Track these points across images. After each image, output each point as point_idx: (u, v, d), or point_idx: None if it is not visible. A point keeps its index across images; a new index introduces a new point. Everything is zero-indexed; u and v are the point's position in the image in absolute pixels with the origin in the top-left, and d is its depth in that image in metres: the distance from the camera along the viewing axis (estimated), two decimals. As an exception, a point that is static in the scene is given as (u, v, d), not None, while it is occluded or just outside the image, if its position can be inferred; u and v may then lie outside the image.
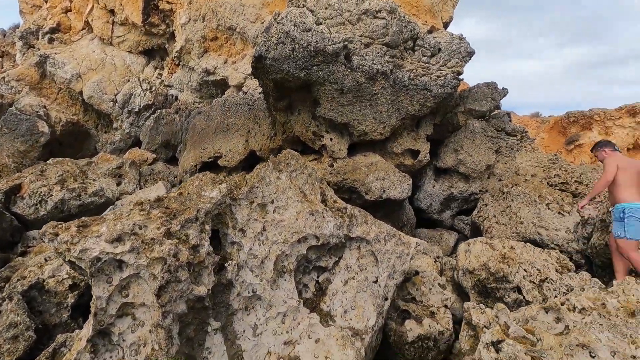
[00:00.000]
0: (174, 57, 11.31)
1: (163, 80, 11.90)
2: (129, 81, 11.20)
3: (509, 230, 5.38)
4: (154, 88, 11.26)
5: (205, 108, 9.22)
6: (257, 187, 2.54)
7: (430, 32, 6.77)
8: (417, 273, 3.76)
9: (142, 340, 1.69)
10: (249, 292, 2.26)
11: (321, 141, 6.27)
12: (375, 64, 5.95)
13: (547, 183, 5.46)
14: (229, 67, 10.41)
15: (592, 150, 4.40)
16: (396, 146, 6.59)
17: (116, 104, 11.11)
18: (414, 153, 6.74)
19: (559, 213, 4.85)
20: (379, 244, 2.97)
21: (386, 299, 2.92)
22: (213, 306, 2.12)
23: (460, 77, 6.45)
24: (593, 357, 1.91)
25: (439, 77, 6.24)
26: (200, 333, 2.02)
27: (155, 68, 12.10)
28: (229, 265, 2.19)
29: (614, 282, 2.91)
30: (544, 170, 5.55)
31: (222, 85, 11.01)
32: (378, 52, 6.04)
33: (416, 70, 6.26)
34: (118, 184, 7.26)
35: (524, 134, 7.64)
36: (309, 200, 2.86)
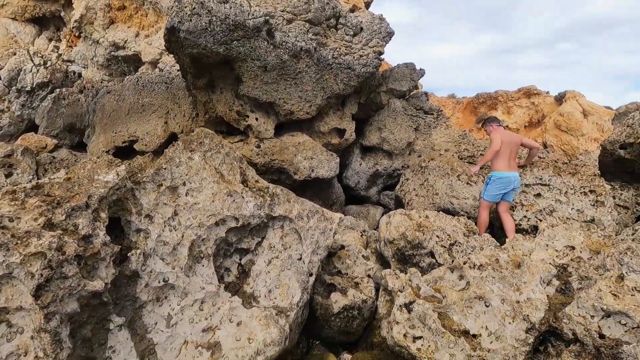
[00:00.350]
0: (73, 27, 9.86)
1: (61, 55, 10.35)
2: (15, 54, 9.52)
3: (426, 202, 5.81)
4: (49, 63, 9.73)
5: (116, 87, 8.27)
6: (165, 169, 2.33)
7: (352, 11, 6.82)
8: (342, 247, 3.87)
9: (22, 349, 1.45)
10: (159, 282, 2.10)
11: (246, 121, 6.04)
12: (298, 41, 5.83)
13: (458, 157, 5.99)
14: (142, 41, 9.40)
15: (482, 125, 5.02)
16: (323, 125, 6.64)
17: (0, 82, 9.42)
18: (341, 132, 6.87)
19: (467, 183, 5.36)
20: (302, 221, 2.97)
21: (311, 275, 2.96)
22: (115, 301, 1.92)
23: (382, 57, 6.65)
24: (487, 306, 2.14)
25: (361, 56, 6.36)
26: (101, 332, 1.83)
27: (50, 40, 10.45)
28: (132, 255, 1.99)
29: (507, 239, 3.32)
30: (455, 145, 6.08)
31: (135, 61, 9.95)
32: (301, 29, 5.92)
33: (340, 49, 6.29)
34: (8, 175, 6.23)
35: (439, 113, 8.24)
36: (227, 181, 2.72)
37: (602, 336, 1.80)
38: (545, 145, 18.83)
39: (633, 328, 1.76)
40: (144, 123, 7.47)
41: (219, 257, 2.67)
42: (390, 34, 6.70)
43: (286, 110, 6.06)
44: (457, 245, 3.68)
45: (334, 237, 3.22)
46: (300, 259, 2.91)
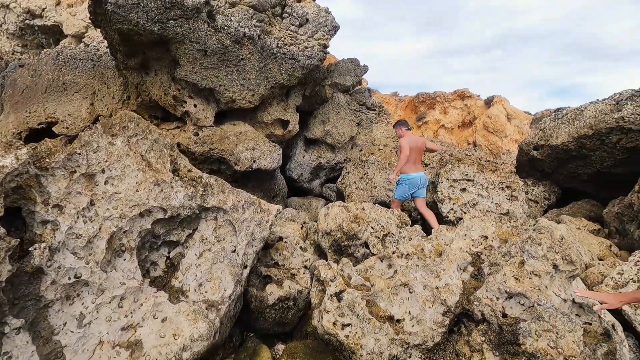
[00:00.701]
0: (-24, -13, 8.49)
1: (-40, 18, 8.86)
2: None
3: (365, 194, 6.02)
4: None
5: (31, 61, 7.31)
6: (80, 154, 2.11)
7: (298, 0, 6.74)
8: (281, 239, 3.86)
9: None
10: (69, 278, 1.90)
11: (184, 107, 5.71)
12: (242, 27, 5.63)
13: (396, 152, 6.27)
14: (63, 10, 8.39)
15: (394, 127, 5.44)
16: (266, 115, 6.52)
17: None
18: (284, 123, 6.80)
19: (403, 177, 5.63)
20: (237, 212, 2.89)
21: (245, 267, 2.90)
22: (13, 301, 1.69)
23: (327, 50, 6.68)
24: (411, 292, 2.28)
25: (306, 47, 6.33)
26: (-6, 336, 1.60)
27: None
28: (35, 249, 1.77)
29: (434, 231, 3.56)
30: (393, 141, 6.35)
31: (55, 33, 8.87)
32: (245, 14, 5.71)
33: (284, 38, 6.19)
34: None
35: (381, 109, 8.54)
36: (155, 169, 2.55)
37: (504, 315, 2.01)
38: (475, 144, 20.54)
39: (529, 307, 1.99)
40: (65, 103, 6.72)
41: (144, 250, 2.50)
42: (335, 28, 6.76)
43: (227, 98, 5.84)
44: (390, 236, 3.86)
45: (270, 228, 3.19)
46: (234, 251, 2.84)
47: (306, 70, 6.36)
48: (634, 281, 3.07)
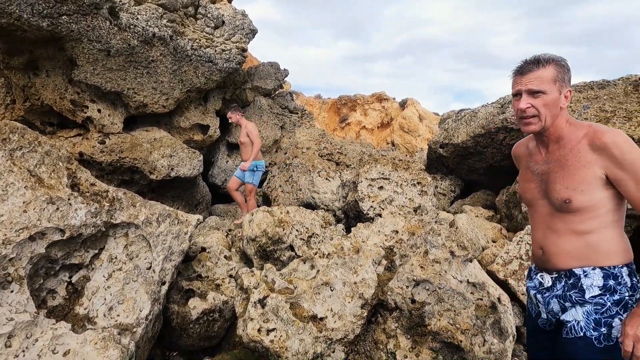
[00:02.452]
0: None
1: None
2: None
3: (291, 197, 6.10)
4: None
5: None
6: (-56, 173, 1.78)
7: (213, 2, 6.55)
8: (204, 249, 3.72)
9: None
10: None
11: (85, 113, 5.15)
12: (150, 26, 5.27)
13: (319, 154, 6.47)
14: None
15: (228, 111, 5.70)
16: (183, 120, 6.21)
17: None
18: (204, 128, 6.55)
19: (326, 179, 5.85)
20: (150, 227, 2.71)
21: (164, 284, 2.74)
22: None
23: (245, 53, 6.61)
24: (332, 290, 2.39)
25: (223, 50, 6.18)
26: None
27: None
28: None
29: (353, 229, 3.77)
30: (315, 143, 6.55)
31: None
32: (153, 13, 5.36)
33: (200, 40, 5.97)
34: None
35: (304, 112, 8.72)
36: (47, 186, 2.27)
37: (413, 301, 2.24)
38: (393, 144, 22.10)
39: (433, 291, 2.24)
40: None
41: (39, 277, 2.21)
42: (253, 32, 6.72)
43: (138, 102, 5.42)
44: (314, 237, 3.98)
45: (190, 240, 3.06)
46: (149, 267, 2.66)
47: (224, 74, 6.21)
48: (517, 257, 3.63)
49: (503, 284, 3.47)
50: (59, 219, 2.21)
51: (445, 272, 2.29)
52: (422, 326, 2.18)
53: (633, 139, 3.58)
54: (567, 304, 1.43)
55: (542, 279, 1.52)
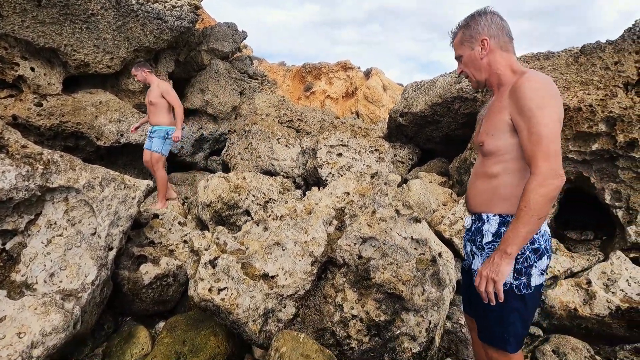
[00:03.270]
0: None
1: None
2: None
3: (250, 165, 6.02)
4: None
5: None
6: None
7: (160, -49, 5.97)
8: (156, 216, 3.63)
9: None
10: None
11: (15, 71, 4.65)
12: (88, -25, 4.75)
13: (279, 121, 6.37)
14: None
15: (132, 69, 4.71)
16: (132, 83, 5.80)
17: None
18: (156, 92, 6.17)
19: (286, 146, 5.81)
20: (93, 191, 2.59)
21: (111, 249, 2.66)
22: None
23: (198, 11, 6.18)
24: (284, 250, 2.44)
25: (174, 7, 5.74)
26: None
27: None
28: None
29: (307, 193, 3.82)
30: (275, 110, 6.42)
31: None
32: (90, -40, 4.82)
33: (147, -6, 5.48)
34: None
35: (264, 78, 8.45)
36: (-33, 146, 2.07)
37: (360, 257, 2.35)
38: (357, 114, 22.17)
39: (378, 247, 2.36)
40: None
41: (-35, 244, 2.06)
42: (207, -12, 6.26)
43: (78, 61, 4.97)
44: (271, 202, 4.00)
45: (139, 205, 2.96)
46: (94, 233, 2.56)
47: (175, 33, 5.81)
48: (462, 218, 3.88)
49: (448, 243, 3.72)
50: (-16, 181, 2.04)
51: (391, 229, 2.41)
52: (368, 279, 2.30)
53: (568, 106, 3.83)
54: (474, 248, 1.55)
55: (465, 221, 1.64)
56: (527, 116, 1.30)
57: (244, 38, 7.80)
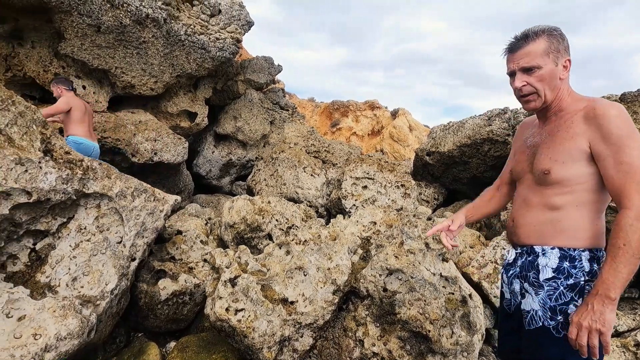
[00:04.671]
0: None
1: None
2: None
3: (275, 192, 6.05)
4: None
5: None
6: None
7: (211, -10, 6.50)
8: (180, 232, 3.64)
9: None
10: None
11: (69, 88, 5.01)
12: (144, 7, 5.20)
13: (306, 151, 6.46)
14: None
15: (50, 83, 4.68)
16: (171, 106, 6.11)
17: None
18: (192, 115, 6.47)
19: (311, 175, 5.83)
20: (124, 200, 2.64)
21: (133, 260, 2.67)
22: None
23: (239, 44, 6.57)
24: (305, 275, 2.36)
25: (218, 39, 6.13)
26: None
27: None
28: None
29: (332, 220, 3.76)
30: (303, 140, 6.54)
31: None
32: (148, -6, 5.29)
33: (194, 26, 5.91)
34: None
35: (294, 110, 8.71)
36: (18, 147, 2.18)
37: (385, 290, 2.23)
38: (382, 152, 22.25)
39: (405, 281, 2.24)
40: None
41: (0, 240, 2.12)
42: (250, 23, 6.69)
43: (125, 82, 5.32)
44: (294, 229, 3.94)
45: (165, 219, 2.99)
46: (120, 242, 2.59)
47: (217, 62, 6.16)
48: (492, 261, 3.67)
49: (477, 287, 3.50)
50: (27, 181, 2.12)
51: (419, 263, 2.29)
52: (392, 314, 2.17)
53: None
54: (526, 285, 1.38)
55: (508, 253, 1.50)
56: (616, 145, 1.20)
57: (279, 71, 8.17)
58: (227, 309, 2.16)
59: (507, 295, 1.50)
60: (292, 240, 2.70)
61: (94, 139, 4.54)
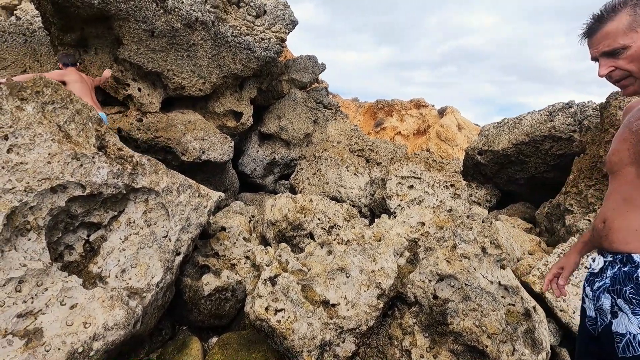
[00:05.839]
0: None
1: None
2: None
3: (317, 190, 5.99)
4: None
5: (-52, 30, 6.50)
6: (-24, 115, 1.83)
7: (256, -9, 6.60)
8: (223, 229, 3.69)
9: None
10: (-50, 255, 1.63)
11: (126, 90, 5.34)
12: (194, 11, 5.39)
13: (349, 149, 6.32)
14: (-7, -22, 7.55)
15: (58, 61, 4.85)
16: (218, 106, 6.29)
17: None
18: (237, 115, 6.61)
19: (355, 174, 5.68)
20: (170, 195, 2.69)
21: (178, 254, 2.71)
22: None
23: (284, 43, 6.60)
24: (348, 277, 2.23)
25: (263, 39, 6.20)
26: None
27: None
28: None
29: (377, 220, 3.59)
30: (347, 138, 6.41)
31: (-18, 3, 7.95)
32: (198, -2, 5.47)
33: (240, 27, 6.03)
34: None
35: (337, 109, 8.60)
36: (74, 142, 2.30)
37: (435, 297, 2.03)
38: (428, 152, 21.41)
39: (458, 288, 2.02)
40: (-12, 79, 6.02)
41: (57, 231, 2.24)
42: (294, 22, 6.70)
43: (176, 84, 5.55)
44: (336, 228, 3.83)
45: (209, 215, 3.02)
46: (166, 236, 2.64)
47: (262, 62, 6.23)
48: (557, 271, 3.27)
49: (539, 298, 3.14)
50: (82, 175, 2.22)
51: (475, 269, 2.07)
52: (443, 325, 1.97)
53: None
54: (620, 302, 1.13)
55: (593, 261, 1.25)
56: None
57: (323, 70, 8.12)
58: (266, 309, 2.09)
59: (592, 313, 1.25)
60: (334, 239, 2.59)
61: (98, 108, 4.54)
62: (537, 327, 1.99)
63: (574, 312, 2.96)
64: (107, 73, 5.04)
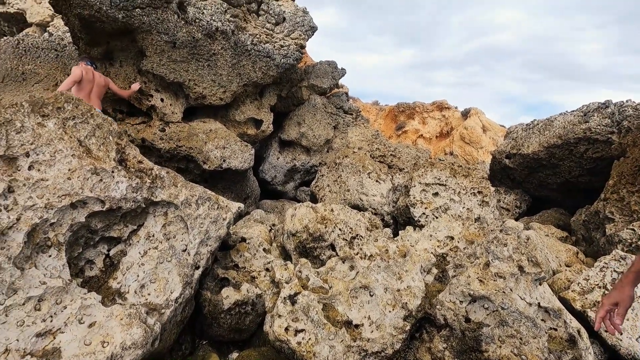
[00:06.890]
0: None
1: None
2: None
3: (338, 198, 5.87)
4: None
5: (-13, 48, 6.84)
6: (-2, 133, 1.85)
7: (276, -1, 6.61)
8: (243, 240, 3.63)
9: None
10: (-29, 275, 1.63)
11: (150, 101, 5.43)
12: (214, 21, 5.43)
13: (370, 155, 6.18)
14: (28, -3, 7.94)
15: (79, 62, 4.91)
16: (238, 114, 6.31)
17: None
18: (258, 123, 6.61)
19: (377, 181, 5.53)
20: (189, 208, 2.66)
21: (197, 268, 2.66)
22: None
23: (303, 50, 6.56)
24: (372, 295, 2.11)
25: (282, 46, 6.19)
26: None
27: None
28: None
29: (401, 232, 3.44)
30: (368, 144, 6.27)
31: (19, 21, 8.39)
32: (218, 8, 5.52)
33: (260, 35, 6.04)
34: None
35: (358, 114, 8.48)
36: (95, 157, 2.30)
37: (467, 320, 1.87)
38: (452, 155, 20.87)
39: (493, 311, 1.86)
40: (23, 94, 6.29)
41: (78, 247, 2.24)
42: (313, 29, 6.66)
43: (197, 94, 5.60)
44: (358, 239, 3.70)
45: (228, 227, 2.97)
46: (185, 250, 2.60)
47: (281, 69, 6.21)
48: (599, 287, 3.01)
49: (580, 317, 2.90)
50: (101, 190, 2.21)
51: (511, 290, 1.89)
52: (478, 352, 1.81)
53: None
54: None
55: None
56: None
57: (343, 75, 8.03)
58: (286, 329, 2.00)
59: None
60: (357, 254, 2.47)
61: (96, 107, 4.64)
62: (584, 356, 1.79)
63: (621, 333, 2.70)
64: (136, 86, 5.20)
